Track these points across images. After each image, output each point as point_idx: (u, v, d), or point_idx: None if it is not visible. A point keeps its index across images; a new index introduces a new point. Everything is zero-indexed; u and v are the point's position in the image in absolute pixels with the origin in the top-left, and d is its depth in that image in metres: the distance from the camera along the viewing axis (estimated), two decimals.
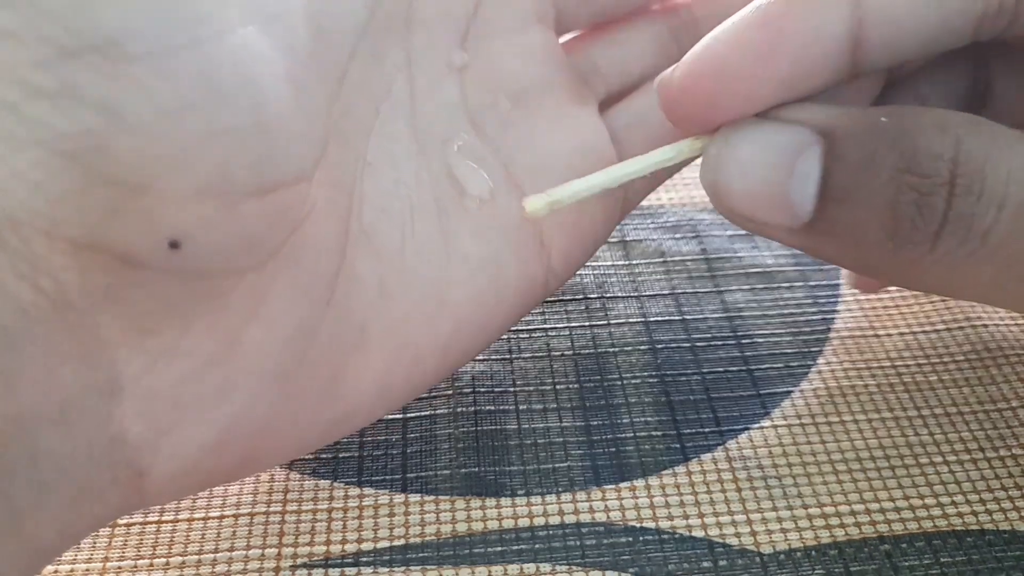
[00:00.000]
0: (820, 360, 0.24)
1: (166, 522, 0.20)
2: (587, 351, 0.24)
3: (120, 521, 0.20)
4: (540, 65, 0.21)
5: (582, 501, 0.21)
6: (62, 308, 0.12)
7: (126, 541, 0.20)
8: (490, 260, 0.19)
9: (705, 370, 0.24)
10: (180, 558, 0.19)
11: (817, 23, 0.15)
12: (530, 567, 0.19)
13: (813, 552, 0.19)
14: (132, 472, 0.14)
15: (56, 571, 0.19)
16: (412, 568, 0.19)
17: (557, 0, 0.21)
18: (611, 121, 0.21)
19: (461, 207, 0.19)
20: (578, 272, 0.27)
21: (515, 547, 0.20)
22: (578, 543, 0.20)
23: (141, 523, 0.20)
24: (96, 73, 0.11)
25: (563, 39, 0.22)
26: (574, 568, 0.19)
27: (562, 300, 0.26)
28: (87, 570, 0.19)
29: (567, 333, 0.25)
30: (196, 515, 0.20)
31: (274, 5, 0.14)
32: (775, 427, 0.22)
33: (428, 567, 0.19)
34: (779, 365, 0.24)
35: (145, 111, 0.12)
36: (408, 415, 0.23)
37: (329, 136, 0.16)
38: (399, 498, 0.21)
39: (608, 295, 0.26)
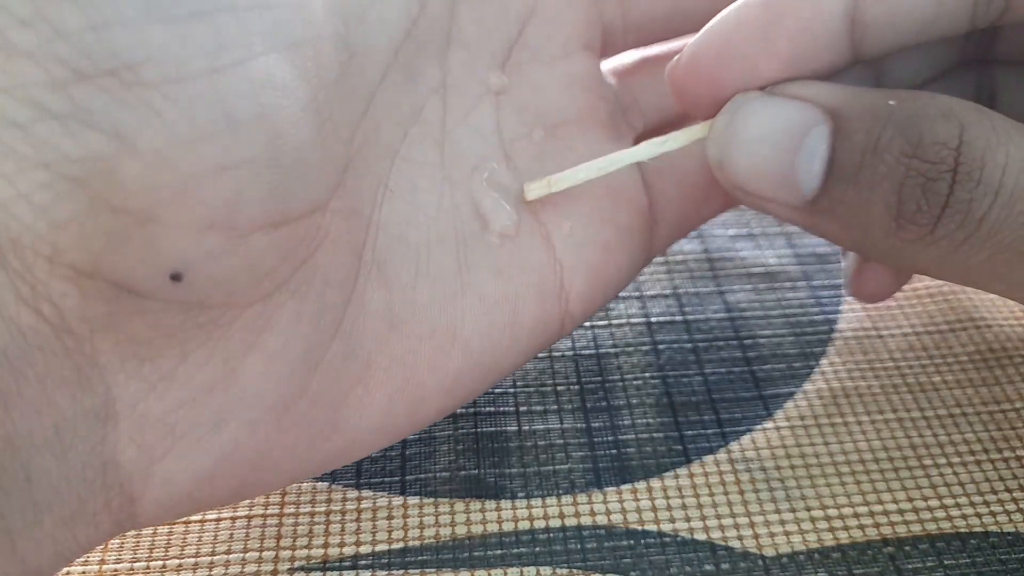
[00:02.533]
0: (823, 361, 0.24)
1: (162, 525, 0.20)
2: (588, 351, 0.24)
3: None
4: (581, 96, 0.20)
5: (583, 504, 0.20)
6: (61, 333, 0.12)
7: (122, 544, 0.19)
8: (507, 299, 0.18)
9: (707, 371, 0.24)
10: (177, 561, 0.19)
11: (815, 1, 0.15)
12: (530, 570, 0.19)
13: (816, 555, 0.19)
14: (124, 497, 0.14)
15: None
16: (411, 571, 0.19)
17: (607, 24, 0.20)
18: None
19: (482, 241, 0.18)
20: None
21: (515, 550, 0.19)
22: (579, 546, 0.19)
23: None
24: (109, 97, 0.11)
25: (604, 64, 0.22)
26: (575, 571, 0.19)
27: None
28: (83, 572, 0.19)
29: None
30: (193, 517, 0.20)
31: (301, 30, 0.13)
32: (778, 428, 0.22)
33: (427, 570, 0.19)
34: (782, 366, 0.24)
35: (157, 139, 0.12)
36: None
37: (350, 163, 0.15)
38: (398, 500, 0.20)
39: None
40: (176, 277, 0.12)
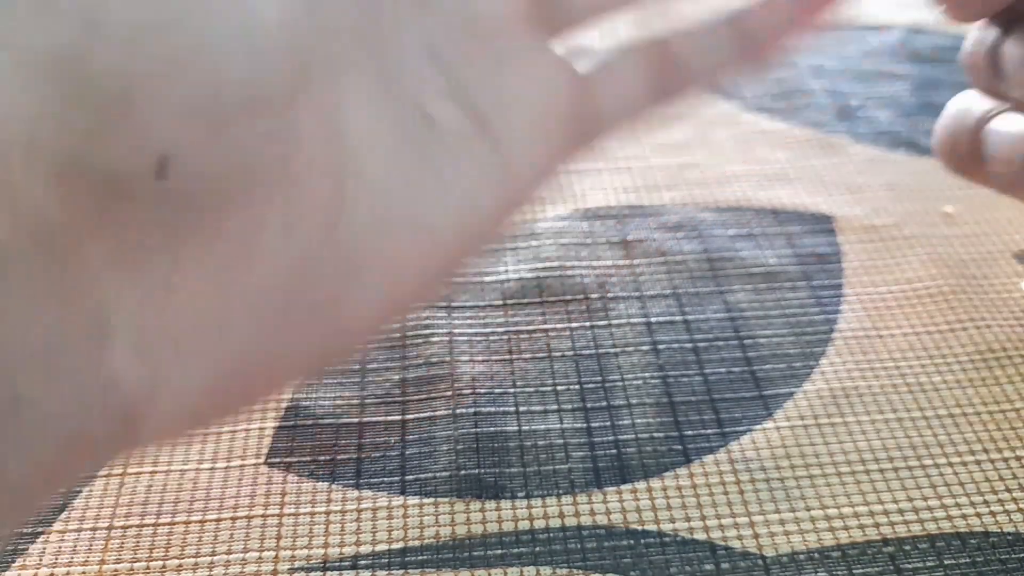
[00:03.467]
0: (823, 361, 0.24)
1: (162, 524, 0.20)
2: (588, 351, 0.24)
3: (116, 523, 0.20)
4: None
5: (583, 503, 0.20)
6: (43, 242, 0.12)
7: (123, 544, 0.20)
8: (464, 184, 0.18)
9: (707, 371, 0.24)
10: (177, 560, 0.19)
11: None
12: (530, 570, 0.19)
13: (816, 555, 0.19)
14: (127, 419, 0.13)
15: (52, 574, 0.19)
16: (411, 571, 0.19)
17: None
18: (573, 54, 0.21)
19: (435, 136, 0.18)
20: (579, 272, 0.26)
21: (515, 550, 0.19)
22: (579, 546, 0.19)
23: (138, 525, 0.20)
24: None
25: None
26: (575, 571, 0.19)
27: (563, 300, 0.26)
28: (83, 573, 0.19)
29: (568, 333, 0.25)
30: (193, 517, 0.20)
31: None
32: (778, 428, 0.22)
33: (427, 570, 0.19)
34: (782, 366, 0.24)
35: (128, 22, 0.11)
36: (407, 417, 0.22)
37: (313, 60, 0.15)
38: (398, 500, 0.20)
39: (609, 295, 0.26)
40: (161, 171, 0.12)
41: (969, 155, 0.22)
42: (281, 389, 0.17)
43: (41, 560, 0.19)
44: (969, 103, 0.22)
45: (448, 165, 0.18)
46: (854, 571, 0.19)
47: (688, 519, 0.20)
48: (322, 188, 0.16)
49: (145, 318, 0.13)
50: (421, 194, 0.18)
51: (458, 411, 0.22)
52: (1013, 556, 0.19)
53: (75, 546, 0.20)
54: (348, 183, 0.16)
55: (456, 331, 0.25)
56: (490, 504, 0.20)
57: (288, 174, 0.14)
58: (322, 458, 0.21)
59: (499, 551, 0.19)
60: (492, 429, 0.22)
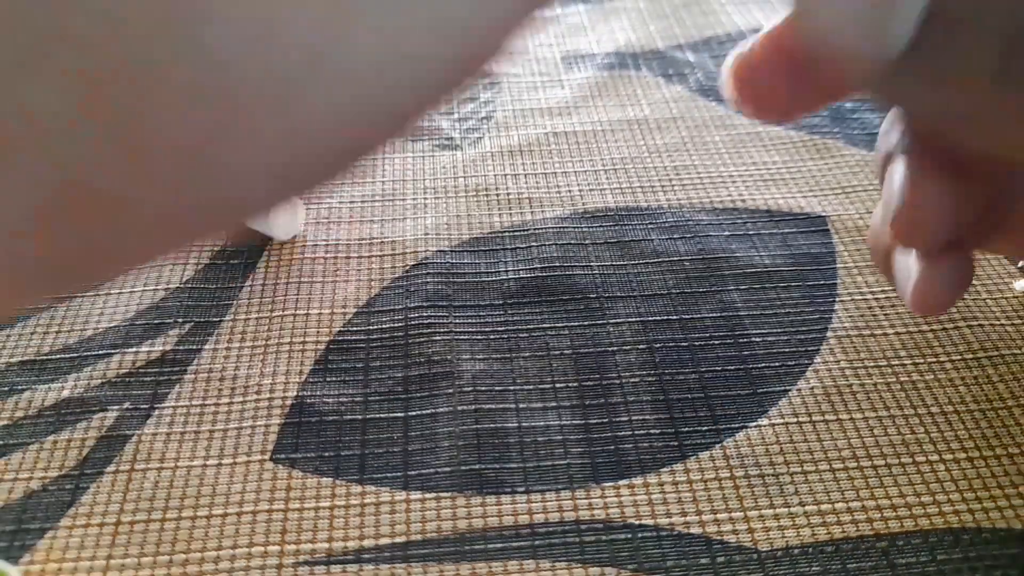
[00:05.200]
0: (817, 359, 0.24)
1: (169, 520, 0.20)
2: (586, 350, 0.24)
3: (124, 519, 0.20)
4: None
5: (581, 499, 0.21)
6: None
7: (129, 539, 0.20)
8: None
9: (703, 369, 0.24)
10: (183, 556, 0.19)
11: None
12: (530, 564, 0.19)
13: (810, 549, 0.20)
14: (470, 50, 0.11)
15: (60, 569, 0.19)
16: (413, 565, 0.19)
17: None
18: None
19: None
20: (577, 272, 0.27)
21: (515, 544, 0.20)
22: (577, 539, 0.20)
23: (145, 520, 0.20)
24: None
25: None
26: (573, 565, 0.19)
27: (562, 299, 0.26)
28: (90, 568, 0.19)
29: (566, 332, 0.25)
30: (200, 512, 0.20)
31: None
32: (772, 425, 0.22)
33: (429, 564, 0.19)
34: (776, 364, 0.24)
35: None
36: (409, 413, 0.23)
37: None
38: (400, 495, 0.21)
39: (607, 295, 0.26)
40: None
41: (887, 270, 0.20)
42: (167, 242, 0.12)
43: (49, 555, 0.20)
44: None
45: None
46: (847, 565, 0.19)
47: (684, 514, 0.20)
48: None
49: None
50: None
51: (459, 408, 0.23)
52: (1005, 552, 0.20)
53: (83, 541, 0.20)
54: None
55: (457, 330, 0.25)
56: (490, 499, 0.21)
57: None
58: (326, 454, 0.22)
59: (499, 545, 0.20)
60: (492, 425, 0.22)
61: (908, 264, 0.20)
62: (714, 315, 0.26)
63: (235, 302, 0.26)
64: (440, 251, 0.27)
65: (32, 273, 0.11)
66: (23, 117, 0.09)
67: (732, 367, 0.24)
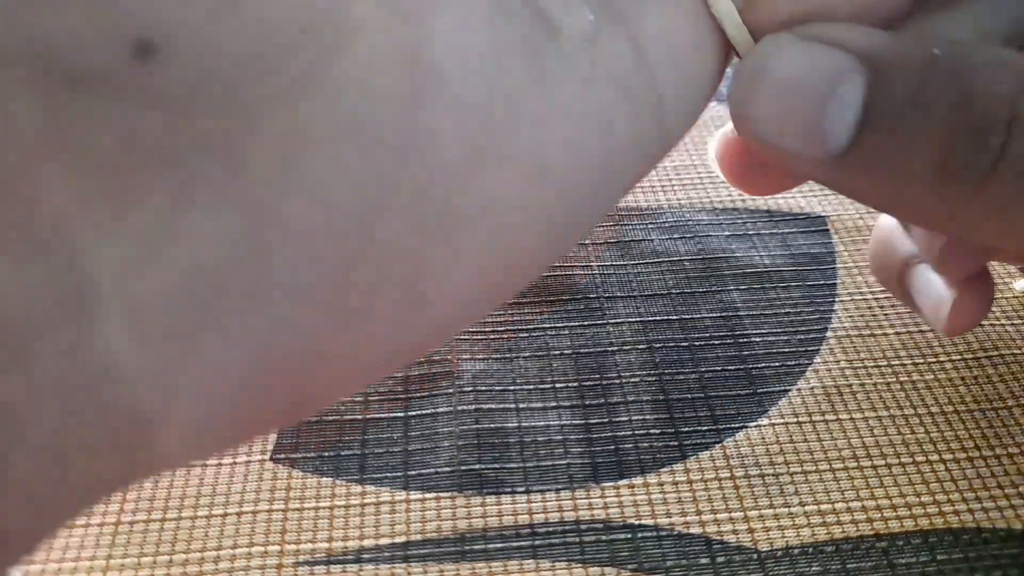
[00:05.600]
0: (817, 359, 0.24)
1: (169, 519, 0.20)
2: (586, 350, 0.24)
3: (124, 519, 0.20)
4: None
5: (581, 499, 0.21)
6: None
7: (129, 539, 0.20)
8: (596, 113, 0.14)
9: (703, 369, 0.24)
10: (183, 555, 0.19)
11: None
12: (530, 563, 0.19)
13: (810, 549, 0.20)
14: (135, 423, 0.09)
15: (60, 569, 0.19)
16: (413, 565, 0.19)
17: None
18: None
19: (557, 49, 0.14)
20: (577, 272, 0.27)
21: (515, 544, 0.20)
22: (577, 539, 0.20)
23: (145, 520, 0.20)
24: None
25: None
26: (573, 565, 0.19)
27: (561, 300, 0.26)
28: (90, 568, 0.19)
29: (566, 332, 0.25)
30: (200, 512, 0.20)
31: None
32: (772, 425, 0.22)
33: (429, 564, 0.19)
34: (776, 364, 0.24)
35: None
36: (410, 413, 0.23)
37: None
38: (400, 495, 0.21)
39: (607, 295, 0.26)
40: (144, 49, 0.08)
41: (900, 287, 0.22)
42: (342, 393, 0.13)
43: (48, 555, 0.20)
44: (892, 241, 0.22)
45: (569, 79, 0.13)
46: (848, 566, 0.19)
47: (684, 514, 0.20)
48: (388, 96, 0.11)
49: (140, 278, 0.09)
50: (531, 114, 0.13)
51: (459, 408, 0.23)
52: (1005, 552, 0.20)
53: (83, 541, 0.20)
54: (426, 93, 0.11)
55: None
56: (490, 499, 0.21)
57: (338, 75, 0.10)
58: (326, 454, 0.22)
59: (499, 545, 0.20)
60: (492, 425, 0.22)
61: (932, 289, 0.21)
62: (714, 315, 0.26)
63: None
64: None
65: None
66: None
67: (732, 367, 0.24)
